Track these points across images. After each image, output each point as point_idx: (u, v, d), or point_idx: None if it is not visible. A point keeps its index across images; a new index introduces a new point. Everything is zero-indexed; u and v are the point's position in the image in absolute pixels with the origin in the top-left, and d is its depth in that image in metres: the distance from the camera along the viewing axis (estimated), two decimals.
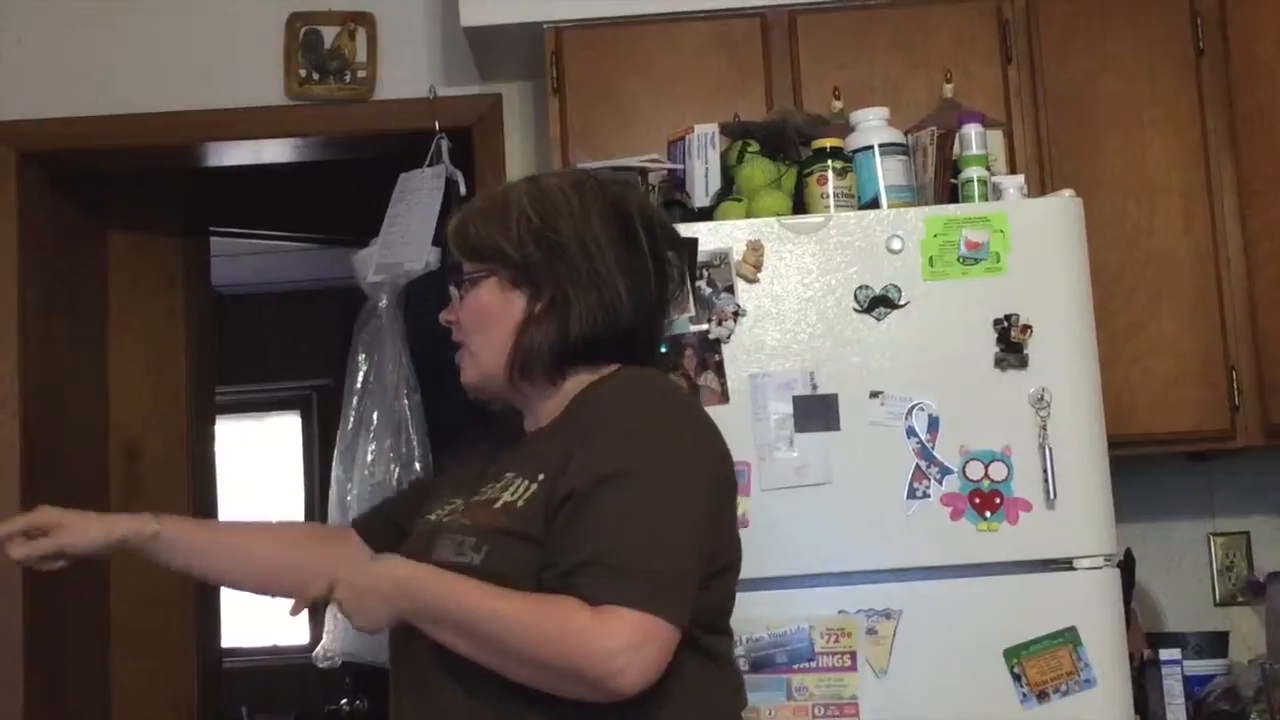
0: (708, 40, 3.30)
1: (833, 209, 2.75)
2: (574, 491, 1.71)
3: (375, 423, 3.44)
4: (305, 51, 3.73)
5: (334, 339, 4.82)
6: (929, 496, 2.60)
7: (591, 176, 1.95)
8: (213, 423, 4.88)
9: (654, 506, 1.71)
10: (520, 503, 1.78)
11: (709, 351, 2.64)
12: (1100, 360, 2.70)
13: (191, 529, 2.15)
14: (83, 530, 2.07)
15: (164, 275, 4.49)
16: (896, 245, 2.66)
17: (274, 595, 2.07)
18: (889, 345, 2.64)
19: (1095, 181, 3.16)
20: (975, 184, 2.77)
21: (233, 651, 5.65)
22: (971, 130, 2.83)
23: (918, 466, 2.61)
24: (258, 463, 7.40)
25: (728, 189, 2.85)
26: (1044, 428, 2.61)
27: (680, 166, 2.88)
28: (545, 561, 1.71)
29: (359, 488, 3.41)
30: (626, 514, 1.69)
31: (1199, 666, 3.13)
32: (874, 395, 2.62)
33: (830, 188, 2.77)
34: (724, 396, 2.62)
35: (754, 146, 2.87)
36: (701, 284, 2.64)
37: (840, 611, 2.57)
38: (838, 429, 2.61)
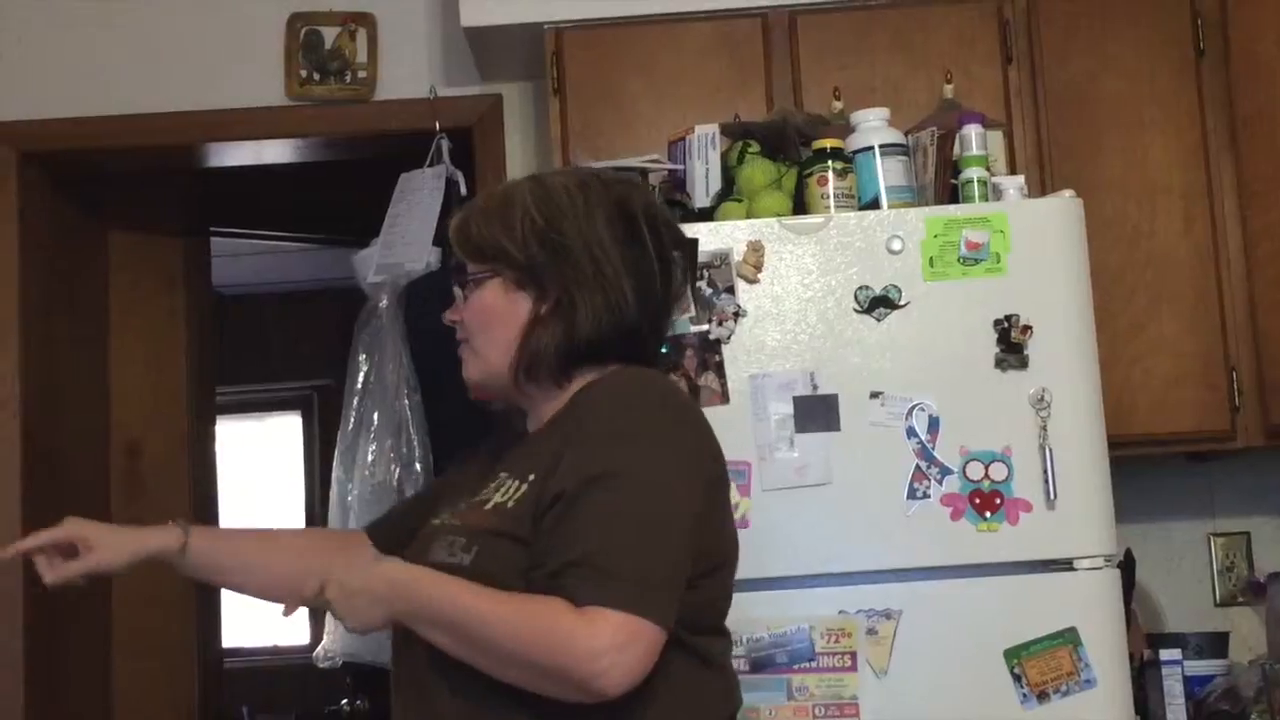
0: (708, 40, 3.30)
1: (833, 209, 2.75)
2: (563, 492, 1.71)
3: (376, 423, 3.44)
4: (306, 52, 3.73)
5: (334, 339, 4.83)
6: (929, 497, 2.60)
7: (596, 176, 1.94)
8: (213, 423, 4.88)
9: (642, 507, 1.70)
10: (511, 503, 1.78)
11: (709, 352, 2.64)
12: (1100, 361, 2.70)
13: (215, 545, 2.14)
14: (113, 551, 2.06)
15: (165, 275, 4.49)
16: (897, 246, 2.66)
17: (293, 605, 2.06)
18: (889, 346, 2.64)
19: (1095, 182, 3.16)
20: (975, 184, 2.77)
21: (233, 652, 5.65)
22: (972, 131, 2.83)
23: (918, 467, 2.61)
24: (258, 463, 7.40)
25: (728, 189, 2.85)
26: (1044, 428, 2.61)
27: (681, 167, 2.88)
28: (534, 561, 1.71)
29: (359, 488, 3.41)
30: (614, 515, 1.69)
31: (1199, 667, 3.14)
32: (874, 396, 2.62)
33: (830, 188, 2.77)
34: (724, 397, 2.62)
35: (754, 147, 2.87)
36: (702, 284, 2.64)
37: (840, 612, 2.57)
38: (838, 429, 2.61)
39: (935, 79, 3.18)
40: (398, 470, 3.40)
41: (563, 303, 1.84)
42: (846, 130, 2.89)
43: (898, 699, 2.55)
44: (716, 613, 1.84)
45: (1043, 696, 2.55)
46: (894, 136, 2.84)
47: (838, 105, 3.13)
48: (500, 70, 3.64)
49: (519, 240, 1.86)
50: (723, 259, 2.67)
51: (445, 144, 3.63)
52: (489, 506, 1.81)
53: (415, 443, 3.41)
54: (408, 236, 3.56)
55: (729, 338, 2.64)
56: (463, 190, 3.56)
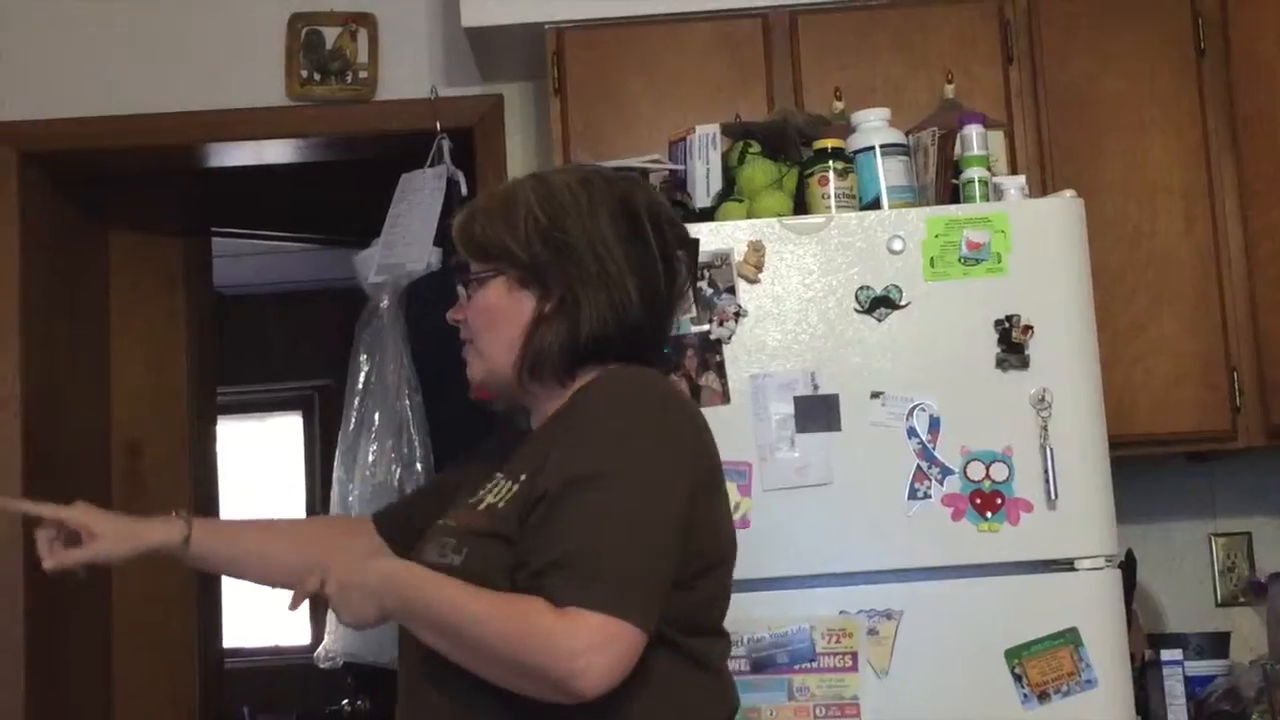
0: (709, 41, 3.30)
1: (834, 209, 2.75)
2: (547, 492, 1.71)
3: (377, 423, 3.44)
4: (307, 52, 3.73)
5: (335, 340, 4.82)
6: (930, 497, 2.60)
7: (599, 173, 1.93)
8: (214, 423, 4.88)
9: (625, 507, 1.70)
10: (501, 504, 1.78)
11: (710, 352, 2.64)
12: (1101, 361, 2.70)
13: (218, 537, 2.14)
14: (114, 541, 2.06)
15: (165, 276, 4.49)
16: (898, 246, 2.66)
17: (297, 598, 2.07)
18: (890, 346, 2.64)
19: (1096, 182, 3.16)
20: (976, 184, 2.77)
21: (234, 651, 5.65)
22: (973, 131, 2.83)
23: (919, 467, 2.61)
24: (259, 463, 7.40)
25: (729, 189, 2.85)
26: (1045, 428, 2.61)
27: (681, 167, 2.88)
28: (519, 560, 1.71)
29: (360, 488, 3.42)
30: (596, 515, 1.69)
31: (1200, 667, 3.14)
32: (875, 396, 2.62)
33: (831, 188, 2.77)
34: (725, 397, 2.62)
35: (755, 147, 2.87)
36: (703, 284, 2.64)
37: (841, 612, 2.57)
38: (839, 429, 2.61)
39: (936, 79, 3.18)
40: (399, 470, 3.40)
41: (566, 301, 1.83)
42: (847, 130, 2.89)
43: (899, 699, 2.55)
44: (713, 614, 1.83)
45: (1043, 697, 2.55)
46: (895, 136, 2.84)
47: (839, 105, 3.13)
48: (501, 70, 3.64)
49: (522, 239, 1.85)
50: (723, 259, 2.67)
51: (446, 144, 3.63)
52: (482, 507, 1.81)
53: (416, 443, 3.41)
54: (409, 237, 3.56)
55: (730, 338, 2.65)
56: (464, 190, 3.56)
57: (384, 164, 3.71)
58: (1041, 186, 3.14)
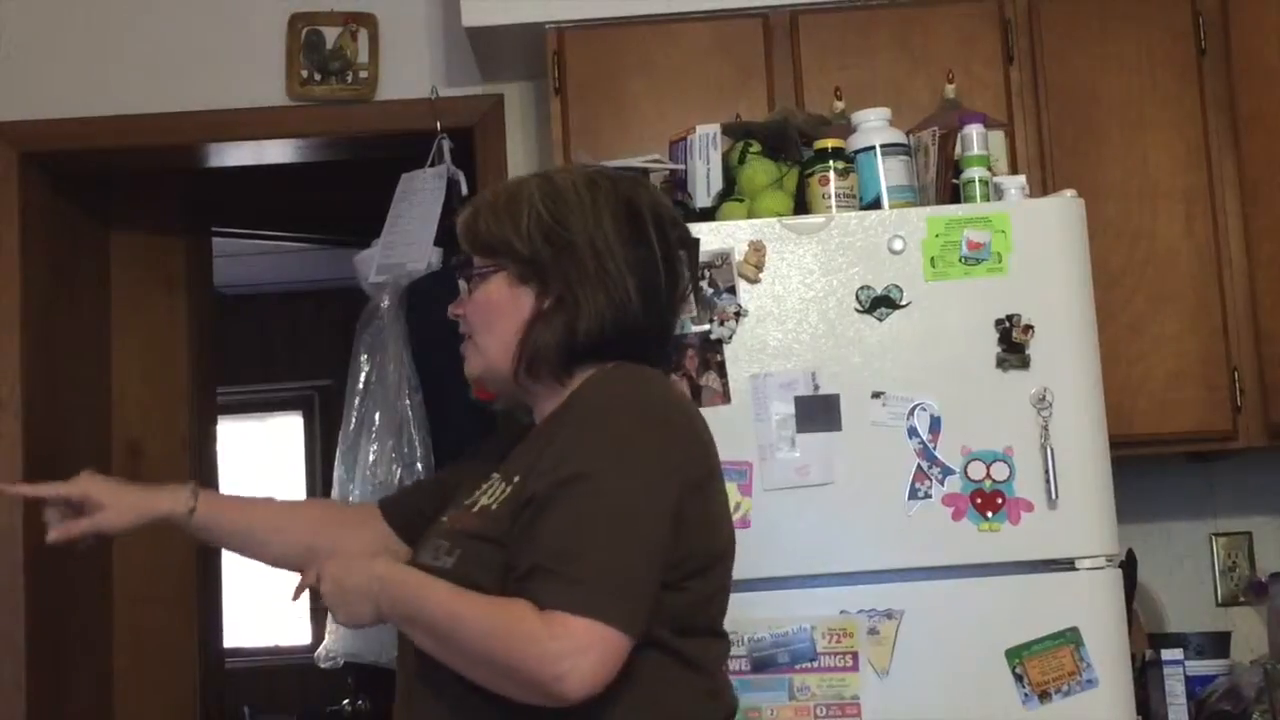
0: (709, 40, 3.30)
1: (834, 209, 2.75)
2: (536, 494, 1.72)
3: (377, 423, 3.44)
4: (307, 52, 3.73)
5: (336, 339, 4.83)
6: (930, 497, 2.60)
7: (605, 174, 1.93)
8: (215, 423, 4.88)
9: (612, 510, 1.70)
10: (494, 505, 1.79)
11: (711, 352, 2.64)
12: (1102, 361, 2.70)
13: (223, 511, 2.14)
14: (118, 511, 2.06)
15: (166, 276, 4.49)
16: (898, 245, 2.66)
17: (298, 590, 2.07)
18: (890, 346, 2.64)
19: (1097, 182, 3.16)
20: (977, 184, 2.77)
21: (235, 651, 5.65)
22: (973, 130, 2.83)
23: (919, 467, 2.61)
24: (260, 463, 7.40)
25: (729, 189, 2.85)
26: (1046, 428, 2.61)
27: (682, 167, 2.88)
28: (510, 563, 1.72)
29: (361, 488, 3.42)
30: (583, 518, 1.69)
31: (1201, 667, 3.14)
32: (875, 395, 2.62)
33: (832, 188, 2.77)
34: (726, 397, 2.62)
35: (756, 147, 2.87)
36: (703, 284, 2.64)
37: (842, 612, 2.57)
38: (839, 429, 2.61)
39: (936, 79, 3.18)
40: (399, 470, 3.40)
41: (565, 299, 1.83)
42: (848, 130, 2.89)
43: (899, 699, 2.55)
44: (708, 615, 1.82)
45: (1044, 696, 2.55)
46: (895, 136, 2.84)
47: (839, 105, 3.13)
48: (501, 70, 3.64)
49: (525, 235, 1.85)
50: (724, 259, 2.67)
51: (446, 144, 3.63)
52: (475, 509, 1.82)
53: (416, 442, 3.41)
54: (409, 237, 3.56)
55: (730, 337, 2.64)
56: (464, 190, 3.56)
57: (384, 164, 3.71)
58: (1042, 186, 3.14)
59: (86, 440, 4.15)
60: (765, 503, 2.59)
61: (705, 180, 2.85)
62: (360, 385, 3.49)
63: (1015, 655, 2.56)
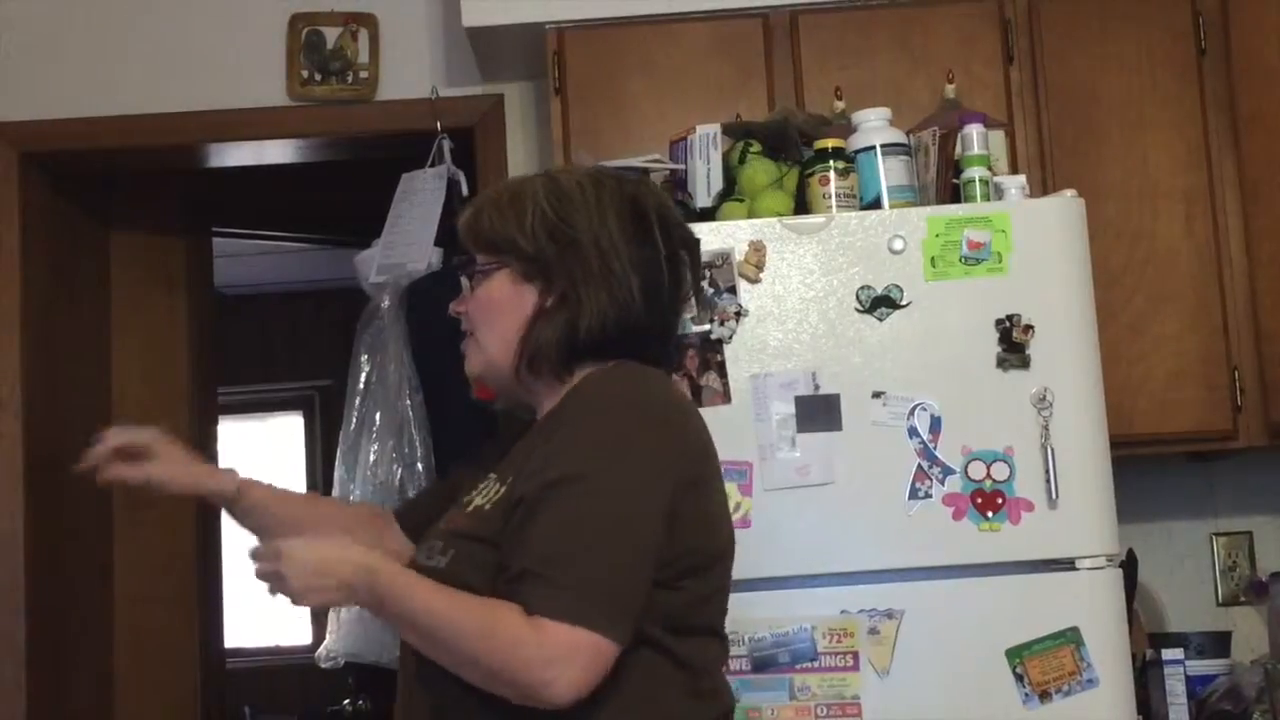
0: (710, 40, 3.30)
1: (834, 209, 2.75)
2: (525, 495, 1.72)
3: (378, 423, 3.44)
4: (307, 52, 3.73)
5: (336, 340, 4.83)
6: (931, 497, 2.60)
7: (610, 174, 1.93)
8: (215, 423, 4.88)
9: (600, 512, 1.70)
10: (488, 505, 1.79)
11: (711, 352, 2.64)
12: (1102, 360, 2.70)
13: (268, 498, 2.12)
14: (171, 472, 2.07)
15: (166, 276, 4.49)
16: (898, 245, 2.66)
17: None
18: (891, 345, 2.64)
19: (1097, 182, 3.16)
20: (977, 184, 2.77)
21: (236, 651, 5.65)
22: (973, 130, 2.83)
23: (920, 466, 2.61)
24: (261, 463, 7.38)
25: (729, 189, 2.85)
26: (1046, 428, 2.61)
27: (682, 167, 2.88)
28: (502, 563, 1.72)
29: (361, 488, 3.42)
30: (571, 520, 1.69)
31: (1201, 666, 3.14)
32: (876, 395, 2.62)
33: (832, 188, 2.77)
34: (726, 397, 2.62)
35: (756, 147, 2.87)
36: (703, 284, 2.64)
37: (842, 611, 2.57)
38: (840, 429, 2.61)
39: (937, 79, 3.18)
40: (400, 470, 3.40)
41: (569, 297, 1.83)
42: (848, 130, 2.89)
43: (900, 699, 2.55)
44: (705, 615, 1.81)
45: (1045, 696, 2.55)
46: (896, 136, 2.84)
47: (839, 105, 3.13)
48: (502, 70, 3.64)
49: (529, 232, 1.85)
50: (724, 259, 2.67)
51: (447, 144, 3.63)
52: (470, 509, 1.82)
53: (417, 442, 3.41)
54: (409, 237, 3.56)
55: (730, 337, 2.64)
56: (464, 190, 3.56)
57: (384, 164, 3.71)
58: (1042, 186, 3.14)
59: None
60: (765, 503, 2.59)
61: (705, 180, 2.85)
62: (361, 385, 3.50)
63: (1016, 655, 2.56)
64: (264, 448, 7.53)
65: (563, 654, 1.64)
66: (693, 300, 2.55)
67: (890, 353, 2.64)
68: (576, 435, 1.75)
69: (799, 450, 2.61)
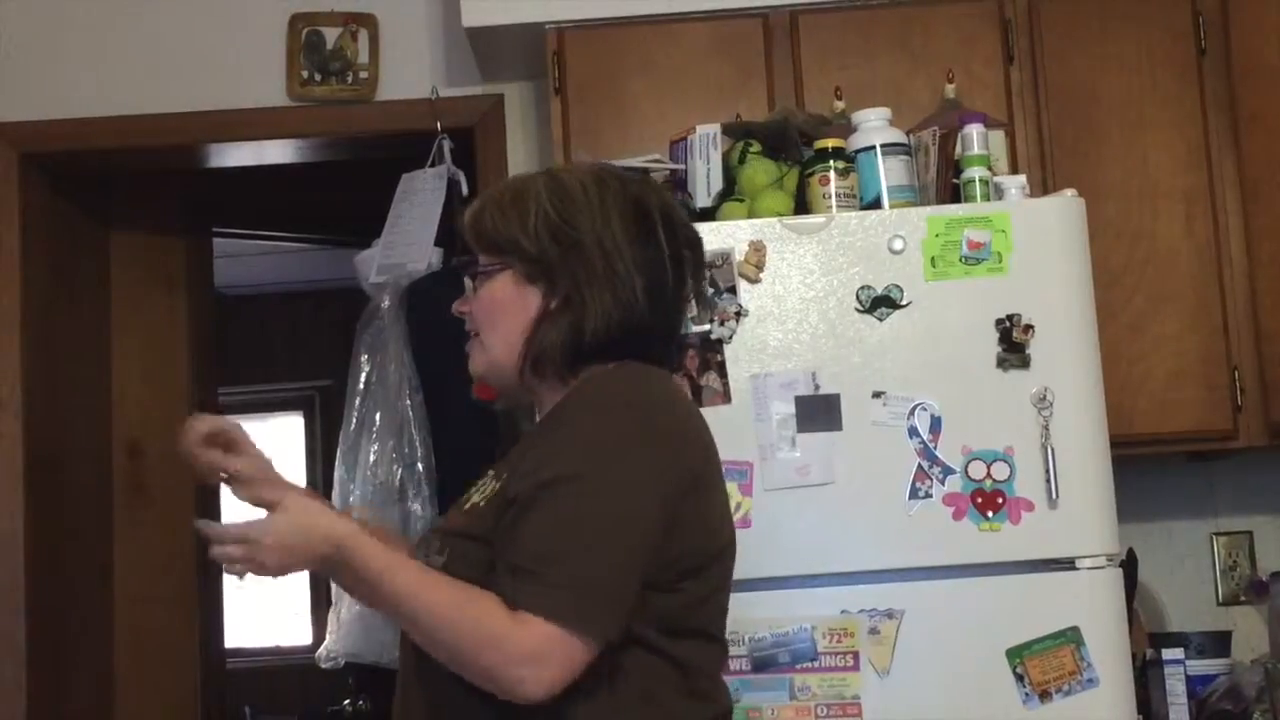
0: (709, 40, 3.30)
1: (835, 209, 2.75)
2: (519, 494, 1.72)
3: (378, 423, 3.44)
4: (307, 52, 3.73)
5: (336, 340, 4.82)
6: (931, 496, 2.60)
7: (613, 173, 1.92)
8: None
9: (592, 512, 1.69)
10: (483, 503, 1.79)
11: (711, 352, 2.64)
12: (1102, 360, 2.70)
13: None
14: (250, 470, 1.98)
15: (166, 276, 4.49)
16: (898, 245, 2.66)
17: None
18: (891, 345, 2.64)
19: (1097, 181, 3.16)
20: (977, 184, 2.77)
21: (236, 652, 5.65)
22: (973, 130, 2.83)
23: (920, 466, 2.61)
24: None
25: (729, 189, 2.85)
26: (1046, 428, 2.61)
27: (682, 167, 2.88)
28: (495, 560, 1.72)
29: (361, 488, 3.42)
30: (563, 520, 1.69)
31: (1201, 666, 3.14)
32: (876, 395, 2.62)
33: (832, 188, 2.77)
34: (726, 397, 2.62)
35: (756, 147, 2.87)
36: (704, 284, 2.64)
37: (842, 611, 2.57)
38: (840, 429, 2.61)
39: (937, 78, 3.18)
40: (400, 470, 3.40)
41: (572, 299, 1.82)
42: (848, 130, 2.89)
43: (900, 699, 2.55)
44: (702, 617, 1.80)
45: (1045, 696, 2.55)
46: (896, 136, 2.84)
47: (839, 105, 3.13)
48: (502, 70, 3.64)
49: (532, 233, 1.84)
50: (724, 259, 2.67)
51: (447, 144, 3.63)
52: (466, 507, 1.83)
53: (417, 442, 3.41)
54: (409, 237, 3.56)
55: (731, 337, 2.64)
56: (464, 191, 3.56)
57: (384, 164, 3.71)
58: (1042, 186, 3.14)
59: (86, 440, 4.15)
60: (766, 503, 2.59)
61: (705, 180, 2.85)
62: (361, 385, 3.50)
63: (1016, 655, 2.56)
64: (264, 448, 7.52)
65: (540, 653, 1.65)
66: (693, 300, 2.55)
67: (890, 353, 2.64)
68: (574, 435, 1.75)
69: (799, 450, 2.61)
